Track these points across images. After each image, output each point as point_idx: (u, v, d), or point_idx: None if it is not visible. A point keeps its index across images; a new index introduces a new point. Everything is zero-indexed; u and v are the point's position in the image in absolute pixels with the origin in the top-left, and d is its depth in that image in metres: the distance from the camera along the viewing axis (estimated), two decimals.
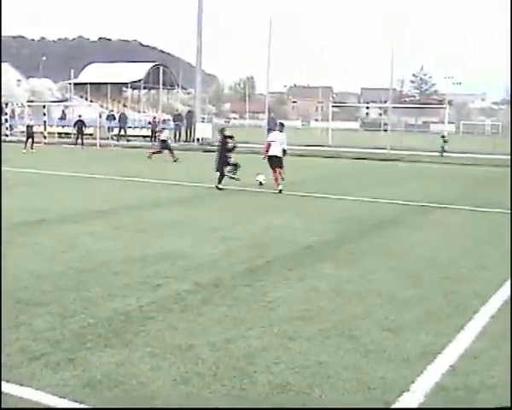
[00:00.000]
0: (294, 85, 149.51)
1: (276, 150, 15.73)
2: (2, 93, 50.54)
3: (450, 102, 69.35)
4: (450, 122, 59.02)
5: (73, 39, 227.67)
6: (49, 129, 38.62)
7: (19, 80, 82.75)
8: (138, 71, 64.13)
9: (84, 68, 68.26)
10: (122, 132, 41.11)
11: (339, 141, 40.04)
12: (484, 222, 11.44)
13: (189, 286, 6.29)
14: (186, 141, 39.35)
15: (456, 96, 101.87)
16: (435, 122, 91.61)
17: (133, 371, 4.15)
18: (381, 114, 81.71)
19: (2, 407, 3.66)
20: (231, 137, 16.61)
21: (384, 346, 4.79)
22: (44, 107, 40.29)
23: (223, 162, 15.96)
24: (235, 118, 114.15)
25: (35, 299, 5.67)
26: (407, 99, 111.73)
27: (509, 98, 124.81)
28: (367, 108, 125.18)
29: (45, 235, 8.80)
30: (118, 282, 6.34)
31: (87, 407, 3.68)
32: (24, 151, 27.91)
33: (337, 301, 5.95)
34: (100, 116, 41.16)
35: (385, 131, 39.18)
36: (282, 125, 17.16)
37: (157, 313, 5.38)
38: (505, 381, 4.21)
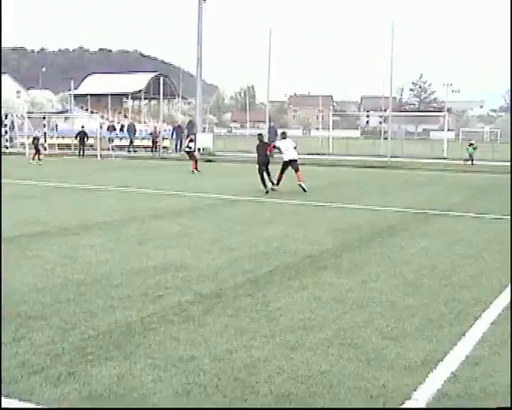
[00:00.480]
0: (295, 94, 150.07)
1: (292, 155, 17.45)
2: (2, 105, 50.69)
3: (449, 110, 69.39)
4: (449, 129, 59.03)
5: (74, 50, 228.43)
6: (49, 140, 38.67)
7: (18, 92, 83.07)
8: (139, 81, 64.33)
9: (84, 79, 68.43)
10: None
11: (339, 149, 40.15)
12: (484, 229, 11.42)
13: (191, 297, 6.28)
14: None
15: (455, 104, 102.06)
16: (435, 129, 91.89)
17: (134, 384, 4.13)
18: (381, 122, 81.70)
19: (3, 407, 3.64)
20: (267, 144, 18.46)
21: (386, 354, 4.78)
22: (44, 118, 40.37)
23: (264, 167, 17.36)
24: (235, 127, 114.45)
25: (35, 312, 5.65)
26: (407, 107, 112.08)
27: (506, 105, 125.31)
28: (367, 116, 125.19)
29: (45, 247, 8.79)
30: (119, 294, 6.33)
31: None
32: (32, 162, 28.13)
33: (338, 310, 5.94)
34: (100, 127, 41.25)
35: (385, 139, 39.20)
36: (284, 133, 18.99)
37: (158, 325, 5.37)
38: (506, 387, 4.21)
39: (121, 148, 41.62)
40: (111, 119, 61.10)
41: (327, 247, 9.22)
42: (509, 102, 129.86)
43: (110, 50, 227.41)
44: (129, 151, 40.10)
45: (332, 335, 5.20)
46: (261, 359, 4.63)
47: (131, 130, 42.69)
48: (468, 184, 21.38)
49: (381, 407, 3.93)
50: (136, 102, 72.05)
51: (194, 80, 41.50)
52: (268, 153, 17.88)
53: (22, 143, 39.72)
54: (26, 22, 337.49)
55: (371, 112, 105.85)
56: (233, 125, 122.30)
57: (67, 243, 9.13)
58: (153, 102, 72.34)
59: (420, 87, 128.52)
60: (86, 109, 62.66)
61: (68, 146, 41.10)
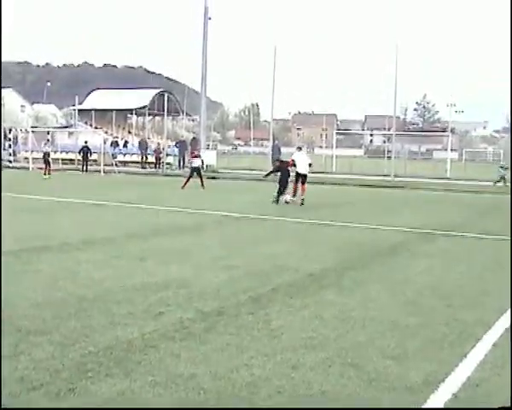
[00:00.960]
0: (299, 113, 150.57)
1: (303, 169, 18.92)
2: (6, 119, 50.92)
3: (452, 130, 69.51)
4: (453, 150, 59.09)
5: (78, 65, 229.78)
6: (52, 155, 38.76)
7: (23, 106, 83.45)
8: (143, 98, 64.53)
9: (88, 94, 68.70)
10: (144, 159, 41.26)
11: (343, 168, 40.19)
12: (487, 249, 11.41)
13: (192, 314, 6.26)
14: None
15: (458, 124, 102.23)
16: (438, 149, 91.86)
17: (134, 401, 4.12)
18: (384, 142, 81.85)
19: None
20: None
21: (387, 374, 4.76)
22: (48, 133, 40.59)
23: (285, 184, 18.98)
24: (240, 145, 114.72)
25: (35, 327, 5.63)
26: (410, 127, 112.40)
27: (509, 126, 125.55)
28: (371, 135, 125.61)
29: (47, 262, 8.79)
30: (120, 310, 6.31)
31: None
32: (45, 177, 28.52)
33: (340, 329, 5.92)
34: (104, 142, 41.39)
35: (389, 158, 39.23)
36: (300, 148, 20.79)
37: (159, 342, 5.35)
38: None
39: (125, 163, 41.71)
40: (115, 134, 61.27)
41: (329, 265, 9.21)
42: None
43: (115, 66, 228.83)
44: (143, 167, 40.02)
45: (333, 354, 5.18)
46: (262, 377, 4.61)
47: (143, 146, 42.63)
48: (471, 204, 21.37)
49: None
50: (141, 119, 72.28)
51: (199, 97, 41.71)
52: (289, 168, 19.42)
53: (26, 158, 39.90)
54: (31, 36, 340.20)
55: (375, 131, 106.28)
56: (237, 142, 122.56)
57: (69, 258, 9.13)
58: (157, 118, 72.53)
59: (424, 107, 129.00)
60: (90, 125, 62.83)
61: (72, 161, 41.24)
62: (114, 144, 46.77)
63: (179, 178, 33.23)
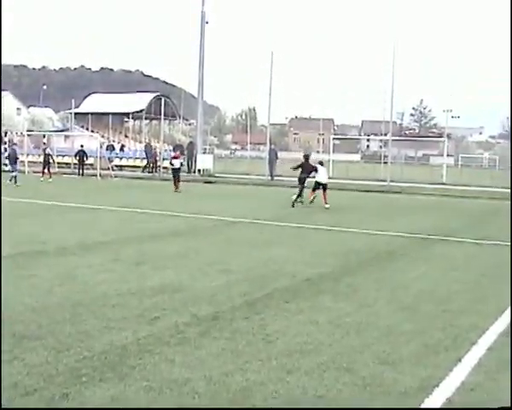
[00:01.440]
0: (296, 117, 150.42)
1: (323, 179, 20.44)
2: (2, 122, 50.84)
3: (449, 136, 69.65)
4: (449, 155, 59.24)
5: (75, 69, 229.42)
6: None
7: (19, 109, 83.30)
8: (140, 101, 64.58)
9: (85, 98, 68.70)
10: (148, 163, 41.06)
11: (339, 173, 40.16)
12: (483, 255, 11.43)
13: (187, 319, 6.25)
14: (187, 172, 39.46)
15: (454, 130, 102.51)
16: (435, 155, 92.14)
17: (128, 406, 4.11)
18: (381, 147, 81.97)
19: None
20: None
21: (382, 379, 4.76)
22: (44, 136, 40.52)
23: (303, 183, 20.47)
24: (236, 149, 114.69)
25: (30, 332, 5.61)
26: (407, 132, 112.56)
27: (505, 132, 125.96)
28: (368, 140, 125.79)
29: (43, 267, 8.76)
30: (115, 315, 6.30)
31: None
32: (48, 180, 28.78)
33: (335, 334, 5.91)
34: (101, 147, 41.34)
35: (385, 163, 39.27)
36: (321, 163, 21.92)
37: (154, 347, 5.34)
38: None
39: (121, 168, 41.67)
40: (112, 138, 61.24)
41: (325, 270, 9.20)
42: (508, 129, 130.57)
43: (112, 70, 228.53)
44: (149, 172, 39.71)
45: (328, 359, 5.17)
46: (257, 382, 4.61)
47: (148, 150, 42.40)
48: (467, 209, 21.41)
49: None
50: (137, 122, 72.30)
51: (196, 101, 41.76)
52: (309, 173, 20.78)
53: (22, 161, 39.78)
54: (28, 39, 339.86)
55: (372, 136, 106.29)
56: (234, 146, 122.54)
57: (65, 263, 9.11)
58: (154, 122, 72.58)
59: (420, 112, 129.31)
60: (87, 128, 62.80)
61: (68, 165, 41.18)
62: (110, 148, 46.70)
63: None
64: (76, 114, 60.29)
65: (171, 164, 26.05)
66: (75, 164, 37.41)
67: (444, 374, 4.88)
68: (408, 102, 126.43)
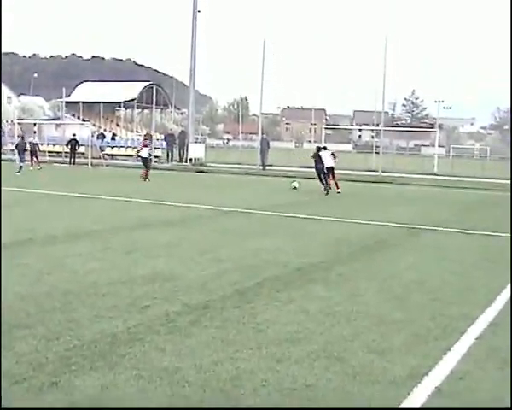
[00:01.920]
0: (288, 107, 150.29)
1: (329, 163, 21.73)
2: None
3: (440, 126, 69.84)
4: (440, 146, 59.38)
5: (66, 57, 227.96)
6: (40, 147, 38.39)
7: (9, 97, 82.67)
8: (132, 90, 64.12)
9: (76, 87, 68.20)
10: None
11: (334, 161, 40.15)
12: (473, 245, 11.48)
13: (178, 308, 6.24)
14: (179, 161, 39.35)
15: (446, 121, 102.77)
16: (426, 145, 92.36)
17: (118, 395, 4.09)
18: (373, 137, 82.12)
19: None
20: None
21: (372, 368, 4.77)
22: (35, 125, 40.26)
23: (320, 172, 21.99)
24: (228, 138, 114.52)
25: (19, 321, 5.58)
26: (399, 122, 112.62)
27: (496, 123, 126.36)
28: (359, 130, 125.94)
29: (32, 255, 8.72)
30: (105, 303, 6.28)
31: None
32: (31, 169, 28.18)
33: (326, 323, 5.92)
34: (92, 135, 41.13)
35: (377, 153, 39.34)
36: (325, 148, 23.32)
37: (144, 335, 5.33)
38: (488, 402, 4.25)
39: (112, 156, 41.46)
40: (103, 127, 60.90)
41: (316, 260, 9.21)
42: (499, 119, 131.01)
43: (103, 58, 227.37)
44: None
45: (319, 348, 5.18)
46: (247, 371, 4.61)
47: (149, 139, 41.85)
48: (458, 200, 21.47)
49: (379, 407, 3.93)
50: (129, 111, 71.93)
51: (188, 90, 41.58)
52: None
53: (12, 150, 39.57)
54: (19, 27, 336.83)
55: (363, 126, 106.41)
56: (225, 136, 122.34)
57: (54, 252, 9.07)
58: (145, 111, 72.19)
59: (412, 103, 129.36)
60: (78, 117, 62.42)
61: (59, 153, 40.93)
62: (101, 137, 46.41)
63: (168, 171, 33.20)
64: (67, 102, 59.88)
65: (138, 153, 25.89)
66: (66, 153, 37.19)
67: (433, 363, 4.90)
68: (400, 92, 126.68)
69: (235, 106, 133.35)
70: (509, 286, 7.66)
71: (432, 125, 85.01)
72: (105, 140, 46.37)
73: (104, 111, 63.20)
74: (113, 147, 44.97)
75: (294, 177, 27.46)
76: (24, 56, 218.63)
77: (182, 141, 39.98)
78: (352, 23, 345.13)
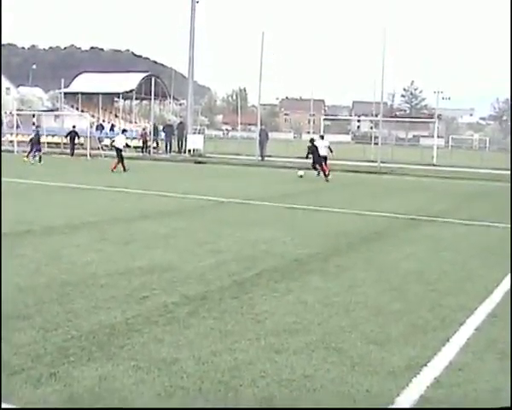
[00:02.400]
0: (286, 98, 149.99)
1: (323, 153, 23.94)
2: None
3: (439, 117, 69.74)
4: (439, 136, 59.29)
5: (65, 48, 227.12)
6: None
7: (8, 88, 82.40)
8: (130, 81, 63.96)
9: (75, 78, 68.03)
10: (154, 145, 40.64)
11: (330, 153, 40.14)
12: (471, 236, 11.47)
13: (176, 299, 6.24)
14: (178, 152, 39.31)
15: (445, 111, 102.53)
16: (425, 136, 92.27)
17: (116, 386, 4.09)
18: (372, 128, 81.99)
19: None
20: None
21: (370, 359, 4.77)
22: (34, 116, 40.16)
23: (317, 161, 23.71)
24: (227, 129, 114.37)
25: (17, 312, 5.56)
26: (398, 113, 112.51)
27: (495, 114, 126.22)
28: (358, 121, 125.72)
29: (30, 246, 8.69)
30: (103, 294, 6.27)
31: None
32: (33, 162, 28.18)
33: (324, 314, 5.92)
34: (90, 126, 41.05)
35: (375, 144, 39.32)
36: (322, 137, 26.44)
37: (143, 326, 5.32)
38: (487, 393, 4.24)
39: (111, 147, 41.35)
40: (101, 118, 60.79)
41: (314, 251, 9.21)
42: (498, 110, 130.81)
43: (102, 49, 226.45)
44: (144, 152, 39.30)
45: (317, 339, 5.18)
46: (245, 362, 4.60)
47: (157, 131, 41.70)
48: (457, 191, 21.47)
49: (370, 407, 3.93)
50: (128, 102, 71.78)
51: (186, 81, 41.53)
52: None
53: (11, 141, 39.52)
54: (17, 18, 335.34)
55: (362, 117, 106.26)
56: (224, 127, 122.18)
57: (53, 243, 9.06)
58: (144, 102, 72.08)
59: (411, 94, 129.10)
60: (77, 108, 62.28)
61: (58, 145, 40.88)
62: (100, 128, 46.35)
63: (166, 162, 33.17)
64: (66, 93, 59.86)
65: (112, 142, 25.75)
66: (65, 144, 37.11)
67: (432, 354, 4.90)
68: (399, 83, 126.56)
69: (234, 97, 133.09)
70: (508, 277, 7.66)
71: (431, 116, 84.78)
72: (104, 131, 46.30)
73: (103, 102, 63.18)
74: (111, 138, 44.87)
75: (293, 168, 27.46)
76: (23, 48, 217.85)
77: (180, 132, 39.93)
78: (351, 14, 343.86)
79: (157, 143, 41.19)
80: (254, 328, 5.42)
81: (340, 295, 6.67)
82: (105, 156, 34.09)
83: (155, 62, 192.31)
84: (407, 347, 5.06)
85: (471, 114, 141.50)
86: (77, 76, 68.39)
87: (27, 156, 28.78)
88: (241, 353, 4.78)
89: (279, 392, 4.10)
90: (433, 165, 35.14)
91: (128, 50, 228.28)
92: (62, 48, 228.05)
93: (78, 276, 7.03)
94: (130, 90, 62.48)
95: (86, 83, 63.92)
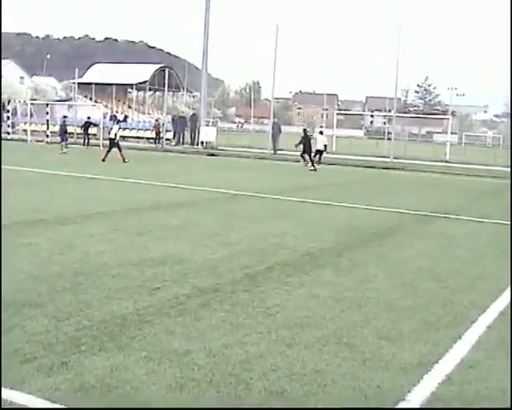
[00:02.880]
0: (300, 92, 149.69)
1: (319, 146, 26.52)
2: (5, 90, 50.52)
3: (453, 113, 69.33)
4: (452, 133, 58.96)
5: (79, 38, 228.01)
6: (52, 128, 38.37)
7: (22, 77, 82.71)
8: (144, 72, 64.01)
9: (89, 68, 68.14)
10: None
11: (342, 148, 40.10)
12: (484, 233, 11.40)
13: (188, 290, 6.24)
14: (190, 144, 39.33)
15: (459, 108, 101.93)
16: (438, 132, 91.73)
17: (127, 376, 4.10)
18: (385, 123, 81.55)
19: (3, 407, 3.61)
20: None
21: (381, 355, 4.76)
22: (47, 105, 40.29)
23: (309, 151, 24.95)
24: (240, 122, 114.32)
25: (30, 301, 5.59)
26: (411, 109, 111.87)
27: (509, 111, 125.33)
28: (371, 116, 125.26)
29: (43, 235, 8.74)
30: (115, 285, 6.29)
31: None
32: (65, 151, 28.99)
33: (336, 309, 5.91)
34: (104, 117, 41.14)
35: (389, 139, 39.14)
36: (321, 132, 29.28)
37: (154, 317, 5.33)
38: (499, 391, 4.21)
39: (124, 138, 41.43)
40: (115, 109, 60.87)
41: (327, 245, 9.19)
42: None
43: (116, 40, 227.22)
44: (176, 145, 39.07)
45: (328, 333, 5.17)
46: (256, 355, 4.60)
47: (182, 123, 41.54)
48: (470, 188, 21.35)
49: (375, 407, 3.91)
50: (141, 93, 71.84)
51: (200, 73, 41.47)
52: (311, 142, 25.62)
53: (24, 130, 39.70)
54: (32, 8, 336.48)
55: (375, 112, 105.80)
56: (237, 119, 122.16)
57: (65, 232, 9.10)
58: (157, 93, 72.11)
59: (425, 89, 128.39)
60: (90, 98, 62.40)
61: (71, 135, 40.94)
62: (113, 119, 46.41)
63: (179, 154, 33.20)
64: (79, 83, 59.92)
65: (109, 133, 25.85)
66: (78, 134, 37.22)
67: (443, 351, 4.88)
68: (413, 79, 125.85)
69: (247, 90, 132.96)
70: None
71: (444, 113, 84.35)
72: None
73: (116, 93, 63.24)
74: (124, 129, 44.93)
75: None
76: (37, 37, 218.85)
77: (193, 124, 39.92)
78: (366, 8, 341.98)
79: (177, 135, 40.91)
80: (266, 321, 5.41)
81: (352, 290, 6.65)
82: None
83: (169, 54, 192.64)
84: (419, 343, 5.04)
85: (485, 111, 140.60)
86: (91, 66, 68.48)
87: (63, 147, 29.05)
88: (253, 346, 4.78)
89: (290, 386, 4.10)
90: (446, 161, 34.94)
91: (142, 41, 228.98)
92: (76, 38, 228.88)
93: (91, 266, 7.05)
94: (144, 82, 62.52)
95: (100, 73, 63.99)
